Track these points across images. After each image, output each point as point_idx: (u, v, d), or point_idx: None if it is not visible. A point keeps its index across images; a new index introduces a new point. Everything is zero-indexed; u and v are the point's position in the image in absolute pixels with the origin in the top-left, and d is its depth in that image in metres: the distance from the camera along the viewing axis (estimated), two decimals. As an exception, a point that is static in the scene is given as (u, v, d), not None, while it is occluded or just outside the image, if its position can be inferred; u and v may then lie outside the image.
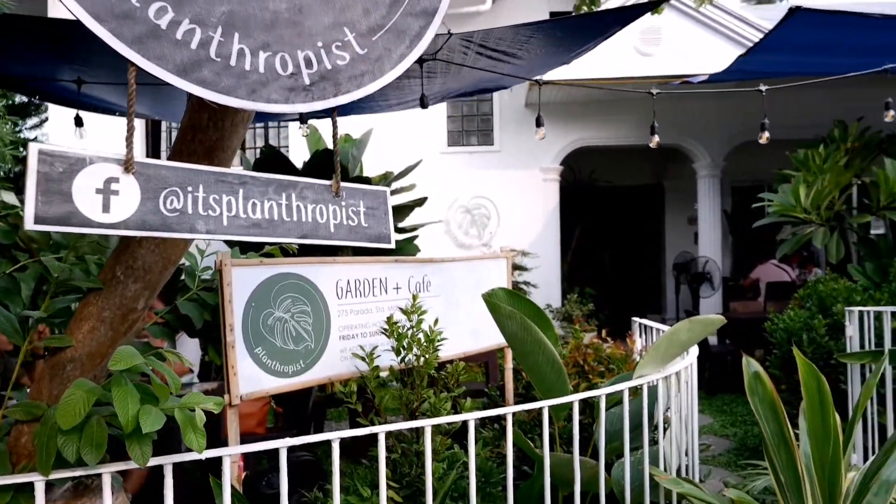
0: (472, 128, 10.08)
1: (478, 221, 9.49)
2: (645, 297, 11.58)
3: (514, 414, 2.12)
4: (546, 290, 9.20)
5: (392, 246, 2.34)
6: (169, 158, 1.99)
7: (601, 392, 2.13)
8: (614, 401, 2.49)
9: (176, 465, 1.69)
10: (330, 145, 4.38)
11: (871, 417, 4.19)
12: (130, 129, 1.69)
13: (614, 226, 11.95)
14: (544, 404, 2.09)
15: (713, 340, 8.17)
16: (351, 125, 7.57)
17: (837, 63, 5.73)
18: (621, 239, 12.02)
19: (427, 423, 1.98)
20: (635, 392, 2.66)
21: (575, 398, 2.10)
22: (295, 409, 4.47)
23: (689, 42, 8.89)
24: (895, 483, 2.12)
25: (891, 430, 4.21)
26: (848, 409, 4.21)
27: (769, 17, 8.35)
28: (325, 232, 2.14)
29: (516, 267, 8.76)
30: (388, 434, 2.14)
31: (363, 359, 2.73)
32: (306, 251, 3.06)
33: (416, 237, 6.92)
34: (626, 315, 8.87)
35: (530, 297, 8.96)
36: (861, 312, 4.15)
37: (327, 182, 2.17)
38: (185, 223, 1.80)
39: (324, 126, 7.52)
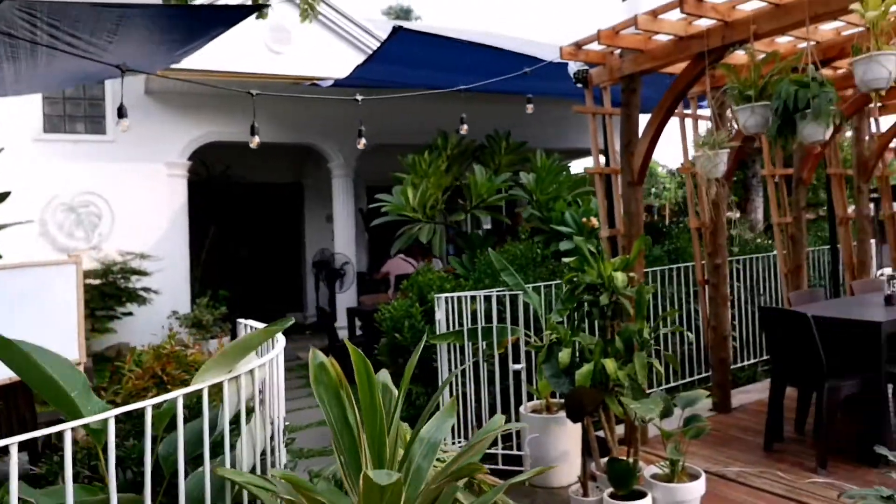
0: (77, 113, 8.78)
1: (85, 221, 8.27)
2: (286, 295, 11.63)
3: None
4: (172, 295, 8.49)
5: None
6: None
7: (146, 404, 1.93)
8: (169, 411, 2.30)
9: None
10: None
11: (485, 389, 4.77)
12: None
13: (254, 224, 11.72)
14: (66, 427, 1.78)
15: (344, 334, 8.53)
16: None
17: (443, 77, 6.45)
18: (261, 237, 11.86)
19: None
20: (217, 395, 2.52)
21: (109, 415, 1.86)
22: None
23: (320, 45, 9.17)
24: (438, 442, 2.35)
25: (483, 401, 4.86)
26: (439, 382, 4.73)
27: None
28: None
29: (134, 272, 7.92)
30: None
31: None
32: None
33: (-9, 240, 5.71)
34: (266, 317, 8.79)
35: (151, 304, 8.18)
36: (447, 298, 4.68)
37: None
38: None
39: None
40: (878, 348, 4.12)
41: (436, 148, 7.36)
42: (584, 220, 6.37)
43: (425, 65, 6.46)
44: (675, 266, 6.06)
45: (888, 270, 7.37)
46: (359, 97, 4.71)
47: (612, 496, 3.73)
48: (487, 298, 4.83)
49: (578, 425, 4.32)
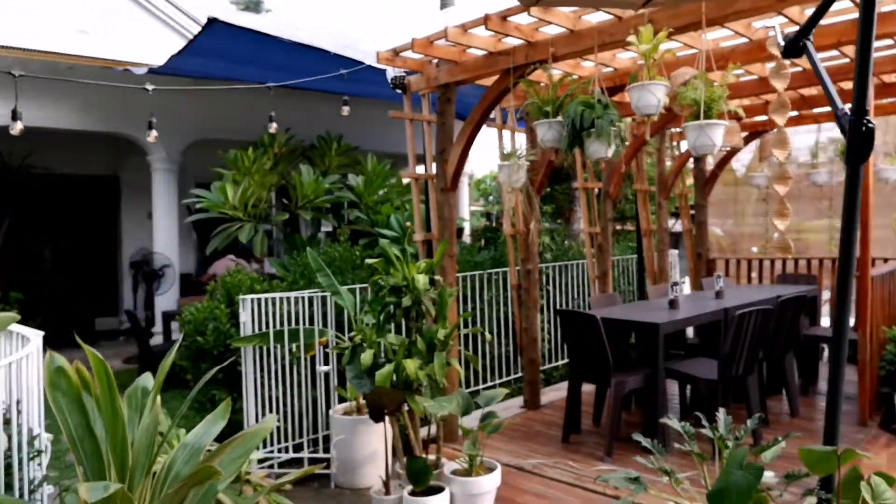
0: None
1: None
2: (99, 298, 10.67)
3: None
4: (-51, 296, 7.48)
5: None
6: None
7: None
8: None
9: None
10: None
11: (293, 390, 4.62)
12: None
13: (60, 219, 10.61)
14: None
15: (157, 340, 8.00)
16: None
17: (266, 75, 6.23)
18: (69, 235, 10.77)
19: None
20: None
21: None
22: None
23: (137, 28, 8.53)
24: (202, 447, 2.24)
25: (280, 400, 4.73)
26: (242, 387, 4.55)
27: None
28: None
29: None
30: None
31: None
32: None
33: None
34: (72, 322, 7.96)
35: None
36: (254, 300, 4.52)
37: None
38: None
39: None
40: (656, 347, 4.55)
41: (262, 145, 7.11)
42: (408, 224, 6.46)
43: (247, 60, 6.23)
44: (493, 271, 6.32)
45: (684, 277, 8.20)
46: (149, 87, 4.42)
47: (411, 493, 3.80)
48: (307, 300, 4.73)
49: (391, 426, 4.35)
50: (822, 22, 4.34)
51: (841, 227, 2.70)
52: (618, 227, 11.97)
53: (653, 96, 3.57)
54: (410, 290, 4.05)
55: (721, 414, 3.18)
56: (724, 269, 8.04)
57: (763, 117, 7.12)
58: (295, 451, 4.73)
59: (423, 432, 4.60)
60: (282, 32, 5.35)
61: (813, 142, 6.95)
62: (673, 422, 3.18)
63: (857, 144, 2.61)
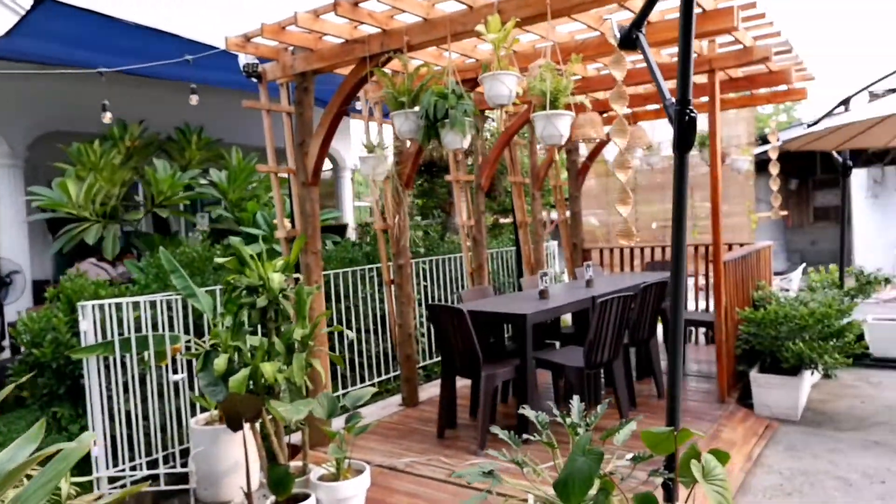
0: None
1: None
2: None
3: None
4: None
5: None
6: None
7: None
8: None
9: None
10: None
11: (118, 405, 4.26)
12: None
13: None
14: None
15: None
16: None
17: (109, 60, 5.75)
18: None
19: None
20: None
21: None
22: None
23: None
24: (4, 472, 1.97)
25: (133, 413, 4.38)
26: (86, 401, 4.17)
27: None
28: None
29: None
30: None
31: None
32: None
33: None
34: None
35: None
36: (95, 306, 4.15)
37: None
38: None
39: None
40: (524, 338, 4.57)
41: (111, 138, 6.56)
42: (275, 221, 6.19)
43: (87, 44, 5.71)
44: (369, 267, 6.18)
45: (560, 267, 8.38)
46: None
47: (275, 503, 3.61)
48: (164, 303, 4.39)
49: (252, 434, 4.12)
50: (668, 17, 4.53)
51: (672, 215, 2.77)
52: (500, 220, 12.18)
53: (504, 86, 3.55)
54: (266, 290, 3.84)
55: (574, 401, 3.22)
56: (599, 258, 8.31)
57: (630, 109, 7.40)
58: (152, 468, 4.40)
59: (297, 438, 4.40)
60: (128, 14, 4.93)
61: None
62: (528, 411, 3.18)
63: (682, 133, 2.69)
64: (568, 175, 8.24)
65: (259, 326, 3.96)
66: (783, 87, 6.53)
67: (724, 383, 5.38)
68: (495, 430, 3.11)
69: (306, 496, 3.70)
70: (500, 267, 8.30)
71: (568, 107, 3.49)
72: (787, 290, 7.65)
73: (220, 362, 3.70)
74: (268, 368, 3.69)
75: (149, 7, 6.61)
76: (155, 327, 4.45)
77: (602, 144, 7.93)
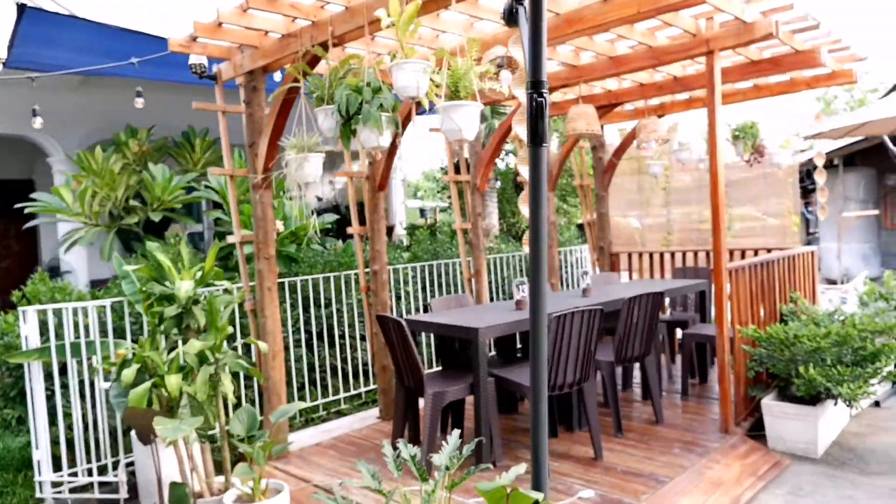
0: None
1: None
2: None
3: None
4: None
5: None
6: None
7: None
8: None
9: None
10: None
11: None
12: None
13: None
14: None
15: None
16: None
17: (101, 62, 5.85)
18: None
19: None
20: None
21: None
22: None
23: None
24: None
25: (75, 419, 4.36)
26: (29, 405, 4.19)
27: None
28: None
29: None
30: None
31: None
32: None
33: None
34: None
35: None
36: (39, 311, 4.15)
37: None
38: None
39: None
40: (476, 353, 4.17)
41: (116, 143, 6.71)
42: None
43: (95, 50, 5.84)
44: (342, 273, 5.89)
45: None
46: None
47: (177, 525, 3.45)
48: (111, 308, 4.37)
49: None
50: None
51: (529, 211, 2.31)
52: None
53: (408, 75, 3.19)
54: (184, 300, 3.68)
55: (452, 436, 2.82)
56: (628, 263, 7.66)
57: (645, 103, 6.75)
58: (102, 474, 4.37)
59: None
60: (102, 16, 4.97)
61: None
62: (387, 447, 2.81)
63: (533, 121, 2.23)
64: (594, 174, 7.64)
65: (167, 337, 3.81)
66: (825, 71, 5.69)
67: (728, 410, 4.71)
68: (385, 450, 2.78)
69: (216, 517, 3.52)
70: (515, 273, 7.82)
71: (473, 97, 3.07)
72: (846, 302, 6.70)
73: (127, 373, 3.58)
74: (172, 381, 3.53)
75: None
76: (106, 333, 4.43)
77: (628, 140, 7.30)
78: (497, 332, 4.30)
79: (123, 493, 4.11)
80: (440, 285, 6.80)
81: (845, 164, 12.48)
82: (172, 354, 3.67)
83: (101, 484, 4.38)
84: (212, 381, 3.66)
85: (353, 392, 5.86)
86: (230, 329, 3.66)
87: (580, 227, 11.38)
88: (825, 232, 13.12)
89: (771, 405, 4.69)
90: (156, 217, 6.10)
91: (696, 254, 7.13)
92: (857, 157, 12.65)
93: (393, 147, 5.24)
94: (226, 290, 4.02)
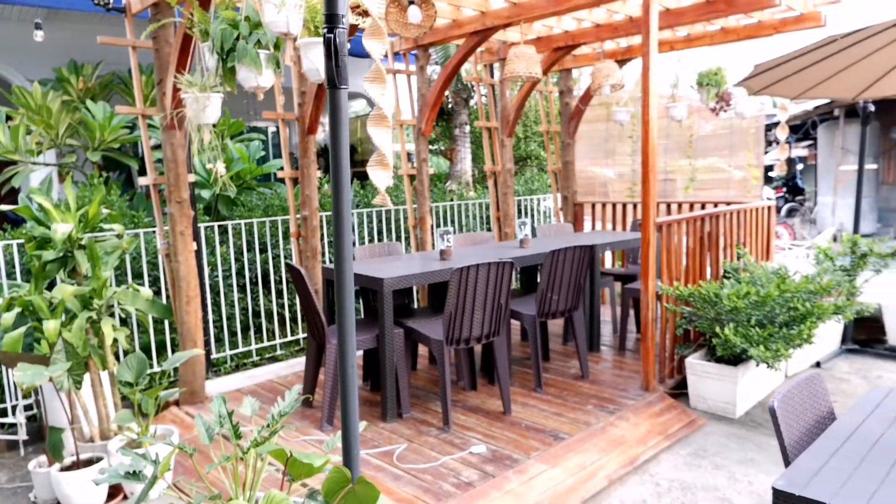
0: None
1: None
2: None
3: None
4: None
5: None
6: None
7: None
8: None
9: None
10: None
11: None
12: None
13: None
14: None
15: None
16: None
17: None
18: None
19: None
20: None
21: None
22: None
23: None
24: None
25: None
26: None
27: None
28: None
29: None
30: None
31: None
32: None
33: None
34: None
35: None
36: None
37: None
38: None
39: None
40: (382, 304, 4.06)
41: (60, 79, 6.53)
42: (210, 166, 5.94)
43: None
44: (280, 218, 5.75)
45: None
46: None
47: (61, 469, 3.45)
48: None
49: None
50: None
51: (331, 161, 2.14)
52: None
53: (276, 10, 2.97)
54: (61, 243, 3.59)
55: (289, 393, 2.73)
56: (591, 213, 7.43)
57: (601, 46, 6.40)
58: (2, 416, 4.39)
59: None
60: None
61: (673, 75, 6.19)
62: (288, 395, 2.72)
63: (330, 57, 2.02)
64: (560, 120, 7.34)
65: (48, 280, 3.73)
66: (793, 14, 5.31)
67: (650, 368, 4.59)
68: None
69: (98, 459, 3.52)
70: (480, 222, 7.64)
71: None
72: (810, 259, 6.46)
73: (7, 317, 3.54)
74: (49, 326, 3.48)
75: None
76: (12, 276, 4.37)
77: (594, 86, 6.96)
78: (405, 283, 4.17)
79: (23, 435, 4.13)
80: (388, 232, 6.66)
81: (847, 115, 11.93)
82: (36, 297, 3.59)
83: (4, 425, 4.40)
84: (94, 327, 3.60)
85: (290, 338, 5.82)
86: (108, 274, 3.57)
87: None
88: (822, 186, 12.67)
89: (694, 364, 4.55)
90: (94, 157, 5.97)
91: (657, 206, 6.87)
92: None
93: (321, 89, 5.04)
94: (118, 236, 3.91)
